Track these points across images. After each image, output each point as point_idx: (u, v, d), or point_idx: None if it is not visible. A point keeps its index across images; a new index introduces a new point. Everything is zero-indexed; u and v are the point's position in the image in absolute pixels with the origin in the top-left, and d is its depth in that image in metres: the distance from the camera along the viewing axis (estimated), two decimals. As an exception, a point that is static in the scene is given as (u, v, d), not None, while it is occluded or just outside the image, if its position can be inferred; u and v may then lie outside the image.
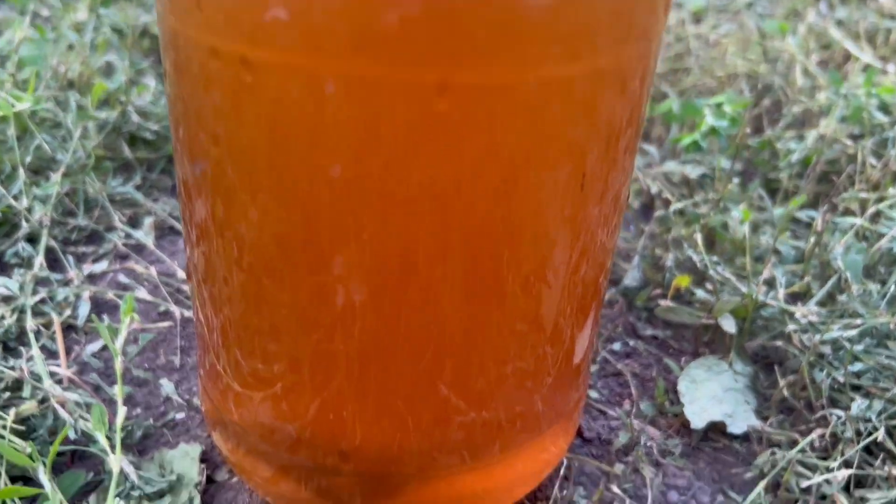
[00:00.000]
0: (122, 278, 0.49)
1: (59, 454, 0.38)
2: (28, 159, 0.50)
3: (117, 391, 0.39)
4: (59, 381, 0.41)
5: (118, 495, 0.36)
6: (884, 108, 0.64)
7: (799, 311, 0.45)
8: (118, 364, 0.39)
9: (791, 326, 0.46)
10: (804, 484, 0.40)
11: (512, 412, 0.33)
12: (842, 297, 0.47)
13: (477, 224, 0.26)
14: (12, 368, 0.39)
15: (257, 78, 0.24)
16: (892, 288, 0.48)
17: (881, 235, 0.50)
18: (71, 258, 0.49)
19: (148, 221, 0.53)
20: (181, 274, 0.50)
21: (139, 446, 0.40)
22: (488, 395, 0.32)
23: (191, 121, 0.28)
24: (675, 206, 0.52)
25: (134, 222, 0.54)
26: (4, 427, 0.36)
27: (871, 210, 0.51)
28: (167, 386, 0.43)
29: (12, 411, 0.36)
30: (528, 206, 0.27)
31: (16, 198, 0.49)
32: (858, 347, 0.45)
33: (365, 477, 0.33)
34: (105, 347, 0.44)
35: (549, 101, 0.25)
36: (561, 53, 0.24)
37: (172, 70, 0.28)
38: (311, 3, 0.23)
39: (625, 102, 0.28)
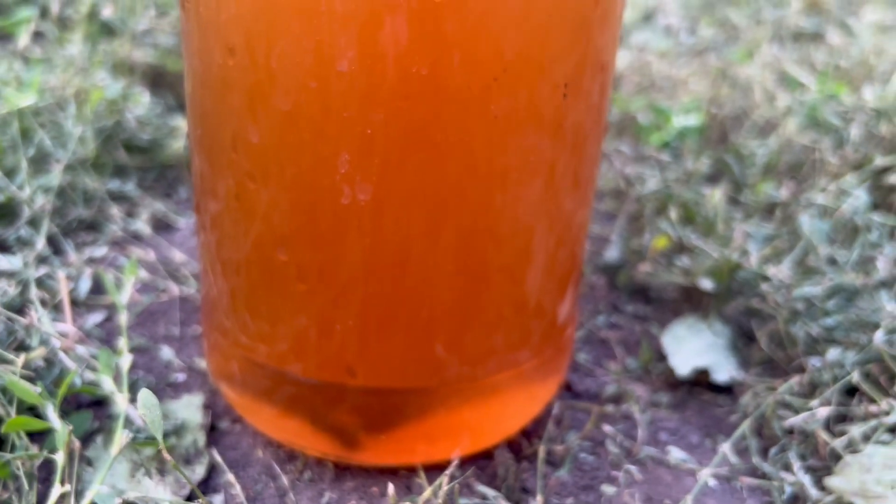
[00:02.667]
0: (122, 261, 0.50)
1: (65, 401, 0.39)
2: (30, 154, 0.52)
3: (122, 344, 0.40)
4: (65, 335, 0.42)
5: (124, 436, 0.36)
6: (839, 111, 0.68)
7: (772, 270, 0.48)
8: (122, 319, 0.40)
9: (765, 287, 0.48)
10: (787, 423, 0.42)
11: (506, 334, 0.35)
12: (810, 259, 0.50)
13: (472, 117, 0.29)
14: (20, 320, 0.40)
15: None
16: (857, 252, 0.50)
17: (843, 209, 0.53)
18: (71, 244, 0.50)
19: (145, 214, 0.55)
20: (179, 257, 0.51)
21: (142, 401, 0.40)
22: (483, 311, 0.33)
23: (206, 42, 0.30)
24: (650, 187, 0.55)
25: (131, 215, 0.55)
26: (14, 373, 0.37)
27: (832, 187, 0.55)
28: (168, 352, 0.44)
29: (21, 357, 0.37)
30: (518, 107, 0.29)
31: (18, 188, 0.50)
32: (829, 303, 0.47)
33: (370, 394, 0.34)
34: (107, 319, 0.46)
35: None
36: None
37: (190, -2, 0.30)
38: None
39: (600, 18, 0.31)
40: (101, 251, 0.51)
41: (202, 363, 0.43)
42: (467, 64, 0.28)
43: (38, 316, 0.40)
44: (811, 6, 1.18)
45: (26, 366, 0.38)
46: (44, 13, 0.86)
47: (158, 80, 0.74)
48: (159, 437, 0.29)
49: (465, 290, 0.32)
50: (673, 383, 0.46)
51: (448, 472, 0.34)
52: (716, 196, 0.51)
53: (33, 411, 0.36)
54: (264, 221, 0.32)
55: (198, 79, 0.32)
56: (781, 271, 0.48)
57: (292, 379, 0.34)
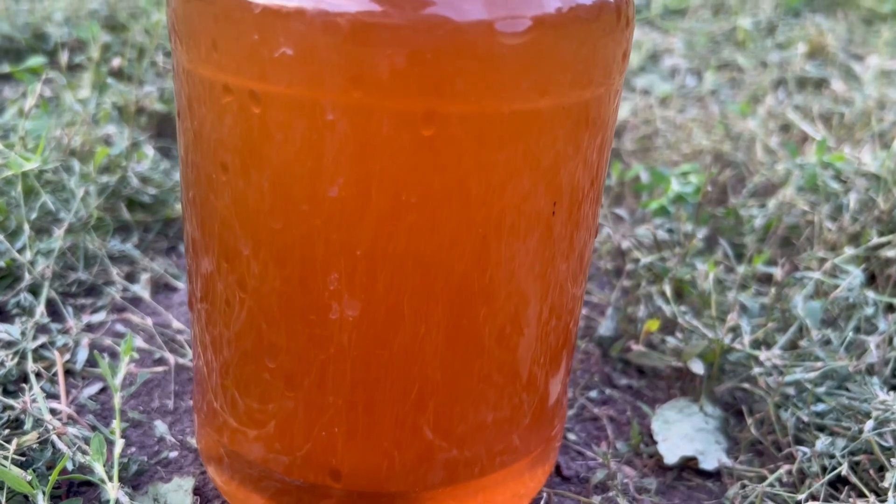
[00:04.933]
0: (120, 328, 0.51)
1: (56, 486, 0.39)
2: (33, 216, 0.53)
3: (115, 426, 0.40)
4: (59, 418, 0.42)
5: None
6: (837, 176, 0.68)
7: (763, 354, 0.48)
8: (117, 400, 0.41)
9: (756, 370, 0.48)
10: (773, 516, 0.42)
11: (492, 438, 0.35)
12: (803, 343, 0.50)
13: (459, 239, 0.29)
14: (13, 408, 0.41)
15: (264, 109, 0.28)
16: (850, 334, 0.51)
17: (838, 287, 0.54)
18: (70, 309, 0.51)
19: (145, 277, 0.55)
20: (176, 325, 0.52)
21: (134, 482, 0.41)
22: (469, 421, 0.34)
23: (201, 157, 0.31)
24: (645, 260, 0.55)
25: (131, 278, 0.56)
26: (6, 458, 0.38)
27: (827, 265, 0.55)
28: (161, 427, 0.44)
29: (13, 442, 0.38)
30: (506, 228, 0.30)
31: (20, 251, 0.51)
32: (820, 389, 0.47)
33: (354, 496, 0.34)
34: (102, 390, 0.46)
35: (521, 132, 0.28)
36: (530, 90, 0.28)
37: (187, 111, 0.31)
38: (314, 43, 0.26)
39: (589, 139, 0.31)
40: (99, 317, 0.51)
41: (194, 440, 0.44)
42: (455, 191, 0.28)
43: (33, 395, 0.41)
44: (816, 50, 1.18)
45: (19, 448, 0.38)
46: (53, 53, 0.87)
47: (164, 128, 0.75)
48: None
49: (451, 401, 0.33)
50: (662, 466, 0.46)
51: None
52: (709, 276, 0.51)
53: (25, 497, 0.36)
54: (253, 329, 0.32)
55: (192, 187, 0.32)
56: (773, 354, 0.48)
57: (277, 477, 0.35)
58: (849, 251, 0.58)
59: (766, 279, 0.62)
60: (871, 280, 0.61)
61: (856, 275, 0.54)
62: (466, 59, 0.26)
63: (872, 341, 0.50)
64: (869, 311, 0.53)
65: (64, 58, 0.72)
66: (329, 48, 0.26)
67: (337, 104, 0.27)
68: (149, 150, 0.66)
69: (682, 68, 1.15)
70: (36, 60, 0.74)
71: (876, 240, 0.57)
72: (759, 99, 1.02)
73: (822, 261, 0.60)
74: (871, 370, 0.50)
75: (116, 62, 0.71)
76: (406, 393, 0.32)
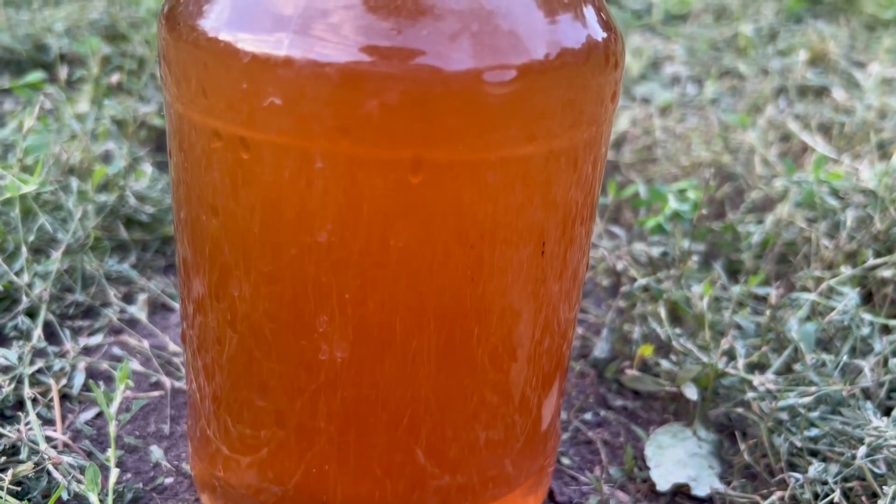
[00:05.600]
0: (116, 350, 0.51)
1: (52, 515, 0.40)
2: (31, 238, 0.53)
3: (110, 455, 0.40)
4: (55, 446, 0.42)
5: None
6: (834, 193, 0.68)
7: (757, 379, 0.48)
8: (112, 428, 0.41)
9: (750, 394, 0.48)
10: (765, 543, 0.42)
11: (484, 468, 0.35)
12: (797, 367, 0.50)
13: (448, 283, 0.29)
14: (9, 435, 0.41)
15: (254, 155, 0.28)
16: (845, 357, 0.51)
17: (833, 309, 0.54)
18: (68, 331, 0.51)
19: (142, 298, 0.56)
20: (173, 347, 0.52)
21: (128, 509, 0.41)
22: (461, 445, 0.34)
23: (192, 197, 0.31)
24: (640, 282, 0.55)
25: (128, 299, 0.56)
26: (1, 488, 0.38)
27: (823, 286, 0.55)
28: (157, 452, 0.45)
29: (9, 473, 0.38)
30: (495, 270, 0.30)
31: (17, 274, 0.51)
32: (814, 414, 0.47)
33: (345, 530, 0.35)
34: (98, 415, 0.46)
35: (510, 177, 0.28)
36: (518, 136, 0.28)
37: (178, 151, 0.31)
38: (303, 92, 0.26)
39: (577, 180, 0.31)
40: (96, 339, 0.52)
41: (189, 466, 0.44)
42: (442, 235, 0.29)
43: (29, 423, 0.41)
44: (818, 57, 1.18)
45: (15, 478, 0.38)
46: (53, 66, 0.87)
47: (163, 142, 0.76)
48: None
49: (439, 435, 0.33)
50: (655, 492, 0.46)
51: None
52: (704, 298, 0.51)
53: (20, 528, 0.37)
54: (243, 365, 0.32)
55: (184, 226, 0.32)
56: (767, 379, 0.48)
57: (270, 511, 0.35)
58: (845, 271, 0.58)
59: (763, 297, 0.62)
60: (867, 298, 0.61)
61: (851, 297, 0.54)
62: (454, 108, 0.27)
63: (867, 364, 0.50)
64: (865, 331, 0.53)
65: (63, 72, 0.72)
66: (318, 97, 0.26)
67: (325, 152, 0.27)
68: (147, 168, 0.66)
69: (682, 76, 1.15)
70: (35, 76, 0.74)
71: (872, 261, 0.57)
72: (760, 108, 1.02)
73: (819, 280, 0.60)
74: (865, 393, 0.50)
75: (115, 77, 0.71)
76: (398, 420, 0.32)
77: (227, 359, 0.33)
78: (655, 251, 0.59)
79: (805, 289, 0.61)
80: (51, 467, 0.39)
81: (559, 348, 0.36)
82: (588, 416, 0.52)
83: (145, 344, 0.52)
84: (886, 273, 0.58)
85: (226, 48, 0.27)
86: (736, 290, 0.57)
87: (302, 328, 0.30)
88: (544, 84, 0.28)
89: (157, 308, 0.56)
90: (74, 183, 0.59)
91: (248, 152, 0.28)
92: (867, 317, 0.54)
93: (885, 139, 0.85)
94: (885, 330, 0.56)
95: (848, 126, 0.92)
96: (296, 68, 0.26)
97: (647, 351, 0.49)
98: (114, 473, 0.39)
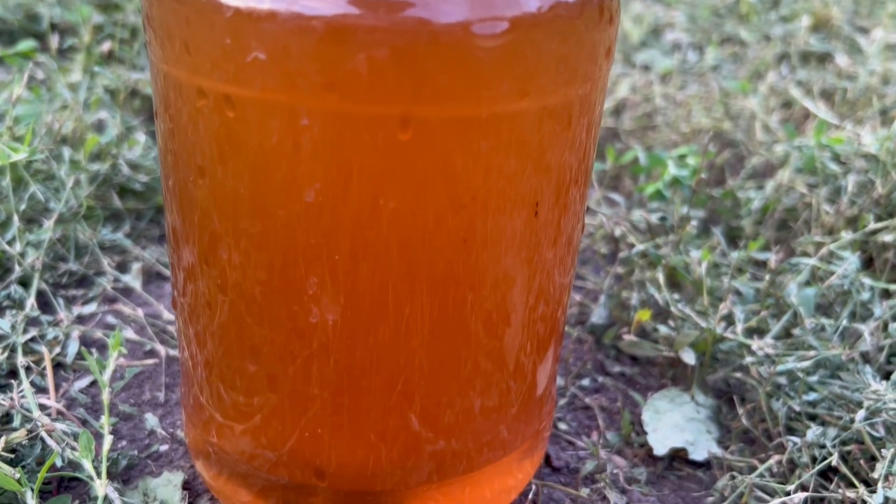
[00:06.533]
0: (111, 319, 0.51)
1: (46, 483, 0.40)
2: (22, 208, 0.53)
3: (104, 422, 0.40)
4: (48, 414, 0.42)
5: (102, 520, 0.37)
6: (836, 158, 0.67)
7: (756, 343, 0.48)
8: (105, 395, 0.41)
9: (749, 359, 0.48)
10: (763, 507, 0.42)
11: (477, 449, 0.35)
12: (796, 331, 0.49)
13: (440, 245, 0.29)
14: (2, 403, 0.41)
15: (239, 113, 0.27)
16: (844, 322, 0.50)
17: (833, 274, 0.53)
18: (61, 300, 0.51)
19: (136, 267, 0.55)
20: (167, 315, 0.52)
21: (123, 476, 0.41)
22: (456, 410, 0.34)
23: (179, 161, 0.31)
24: (638, 248, 0.55)
25: (122, 268, 0.56)
26: (-6, 455, 0.38)
27: (823, 251, 0.54)
28: (151, 420, 0.44)
29: (2, 440, 0.38)
30: (487, 233, 0.29)
31: (10, 243, 0.51)
32: (812, 378, 0.47)
33: (340, 495, 0.34)
34: (92, 384, 0.46)
35: (502, 135, 0.28)
36: (510, 92, 0.27)
37: (164, 114, 0.30)
38: (288, 46, 0.26)
39: (571, 142, 0.30)
40: (90, 308, 0.51)
41: (183, 433, 0.44)
42: (433, 195, 0.28)
43: (23, 392, 0.41)
44: (821, 23, 1.16)
45: (8, 445, 0.38)
46: (45, 35, 0.86)
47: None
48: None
49: (434, 401, 0.32)
50: (653, 456, 0.46)
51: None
52: (703, 263, 0.51)
53: (15, 494, 0.37)
54: (234, 332, 0.32)
55: (171, 190, 0.32)
56: (765, 343, 0.48)
57: (262, 476, 0.35)
58: (846, 236, 0.57)
59: (763, 263, 0.62)
60: (868, 263, 0.60)
61: (851, 261, 0.53)
62: (443, 62, 0.26)
63: (866, 328, 0.49)
64: (865, 296, 0.53)
65: (55, 41, 0.71)
66: (303, 52, 0.26)
67: (312, 109, 0.26)
68: (140, 137, 0.65)
69: (683, 43, 1.14)
70: (26, 44, 0.73)
71: (873, 225, 0.56)
72: (762, 74, 1.00)
73: (819, 245, 0.59)
74: (865, 357, 0.50)
75: (107, 46, 0.70)
76: (391, 385, 0.32)
77: (219, 325, 0.33)
78: (654, 217, 0.58)
79: (805, 254, 0.60)
80: (45, 435, 0.39)
81: (554, 314, 0.36)
82: (586, 381, 0.51)
83: (140, 312, 0.51)
84: (887, 237, 0.57)
85: (208, 2, 0.26)
86: (735, 255, 0.56)
87: (293, 291, 0.30)
88: (536, 37, 0.27)
89: (152, 277, 0.56)
90: (66, 152, 0.58)
91: (233, 110, 0.27)
92: (867, 281, 0.53)
93: (888, 105, 0.84)
94: (886, 294, 0.56)
95: (850, 92, 0.91)
96: (280, 22, 0.25)
97: (644, 316, 0.49)
98: (107, 440, 0.39)
